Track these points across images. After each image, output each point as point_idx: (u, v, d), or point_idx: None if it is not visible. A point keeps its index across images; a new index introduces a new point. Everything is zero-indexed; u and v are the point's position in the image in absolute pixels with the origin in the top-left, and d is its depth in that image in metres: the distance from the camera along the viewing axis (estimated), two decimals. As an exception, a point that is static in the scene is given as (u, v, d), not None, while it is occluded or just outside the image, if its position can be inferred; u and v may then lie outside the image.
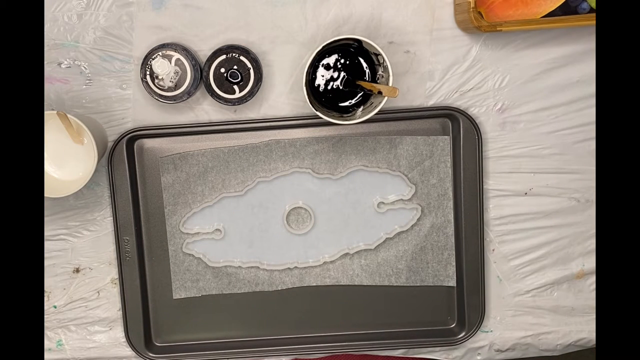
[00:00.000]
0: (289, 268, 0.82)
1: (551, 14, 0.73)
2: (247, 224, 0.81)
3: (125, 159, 0.79)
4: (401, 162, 0.80)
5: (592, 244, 0.83)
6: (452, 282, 0.82)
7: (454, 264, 0.82)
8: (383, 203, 0.81)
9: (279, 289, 0.82)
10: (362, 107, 0.75)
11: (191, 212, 0.81)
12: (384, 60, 0.70)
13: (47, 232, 0.81)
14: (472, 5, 0.72)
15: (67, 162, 0.75)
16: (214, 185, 0.80)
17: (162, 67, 0.73)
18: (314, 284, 0.82)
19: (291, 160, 0.80)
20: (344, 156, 0.80)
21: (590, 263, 0.83)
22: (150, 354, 0.83)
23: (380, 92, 0.70)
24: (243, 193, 0.80)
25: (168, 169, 0.80)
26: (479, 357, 0.85)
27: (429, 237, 0.81)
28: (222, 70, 0.75)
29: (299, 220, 0.82)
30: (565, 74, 0.79)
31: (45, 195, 0.72)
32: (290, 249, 0.82)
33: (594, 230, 0.82)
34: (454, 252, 0.82)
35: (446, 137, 0.80)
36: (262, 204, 0.81)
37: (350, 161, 0.80)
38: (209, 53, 0.75)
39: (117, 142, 0.79)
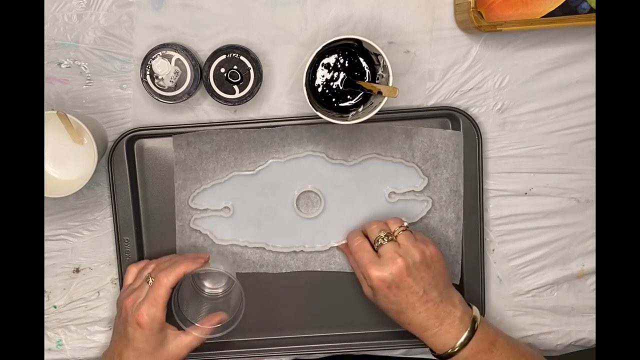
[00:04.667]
0: (294, 251, 0.82)
1: (551, 14, 0.73)
2: (256, 204, 0.81)
3: (125, 159, 0.79)
4: (415, 154, 0.80)
5: (592, 244, 0.83)
6: (456, 280, 0.82)
7: (460, 262, 0.81)
8: (394, 193, 0.81)
9: (283, 271, 0.82)
10: (362, 107, 0.75)
11: (201, 188, 0.80)
12: (383, 60, 0.70)
13: (47, 232, 0.81)
14: (472, 5, 0.72)
15: (67, 162, 0.75)
16: (226, 163, 0.80)
17: (162, 67, 0.73)
18: (319, 269, 0.82)
19: (305, 144, 0.80)
20: (359, 143, 0.80)
21: (590, 263, 0.83)
22: (150, 354, 0.83)
23: (380, 92, 0.70)
24: (255, 172, 0.80)
25: (181, 145, 0.79)
26: (479, 357, 0.85)
27: (437, 231, 0.81)
28: (222, 70, 0.75)
29: (309, 204, 0.81)
30: (565, 74, 0.79)
31: (45, 195, 0.72)
32: (298, 232, 0.81)
33: (594, 230, 0.82)
34: (460, 251, 0.81)
35: (460, 132, 0.79)
36: (272, 185, 0.80)
37: (364, 148, 0.80)
38: (209, 53, 0.75)
39: (117, 142, 0.79)
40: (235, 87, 0.75)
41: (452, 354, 0.72)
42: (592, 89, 0.79)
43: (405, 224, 0.75)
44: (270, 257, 0.82)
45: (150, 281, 0.72)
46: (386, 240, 0.73)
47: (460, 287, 0.82)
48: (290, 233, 0.81)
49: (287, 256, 0.82)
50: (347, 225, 0.81)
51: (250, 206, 0.81)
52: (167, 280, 0.71)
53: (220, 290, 0.81)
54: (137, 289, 0.73)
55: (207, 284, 0.81)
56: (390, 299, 0.72)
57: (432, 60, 0.79)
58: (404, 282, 0.71)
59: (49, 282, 0.83)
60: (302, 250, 0.82)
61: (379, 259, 0.72)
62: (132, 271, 0.77)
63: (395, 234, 0.74)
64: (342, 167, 0.80)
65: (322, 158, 0.80)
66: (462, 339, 0.71)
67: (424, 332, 0.73)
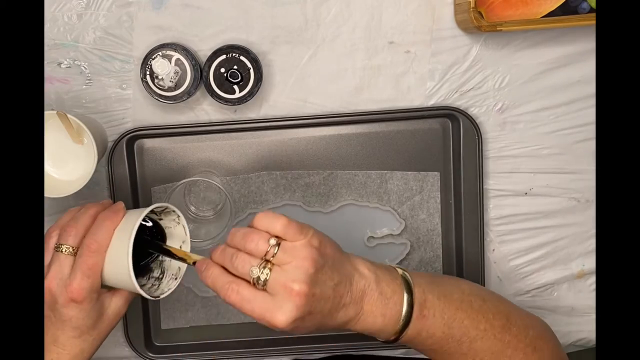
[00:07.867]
0: None
1: (551, 14, 0.73)
2: None
3: (125, 159, 0.79)
4: (391, 197, 0.81)
5: (592, 244, 0.83)
6: None
7: None
8: (373, 237, 0.81)
9: None
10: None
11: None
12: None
13: (47, 232, 0.81)
14: (472, 5, 0.72)
15: (67, 162, 0.75)
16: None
17: (162, 67, 0.73)
18: None
19: (282, 193, 0.80)
20: (335, 190, 0.80)
21: (590, 263, 0.83)
22: (150, 354, 0.83)
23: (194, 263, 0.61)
24: (234, 224, 0.79)
25: (160, 199, 0.80)
26: (479, 357, 0.85)
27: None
28: (222, 70, 0.75)
29: None
30: (565, 74, 0.79)
31: (45, 195, 0.72)
32: None
33: (594, 230, 0.82)
34: None
35: (436, 173, 0.80)
36: None
37: (341, 195, 0.80)
38: (209, 53, 0.75)
39: (117, 142, 0.79)
40: (235, 87, 0.75)
41: (408, 318, 0.61)
42: (592, 89, 0.79)
43: (278, 229, 0.57)
44: None
45: (64, 250, 0.62)
46: (265, 273, 0.56)
47: (460, 287, 0.82)
48: None
49: None
50: None
51: None
52: (99, 244, 0.61)
53: (209, 213, 0.79)
54: (53, 264, 0.62)
55: (195, 208, 0.79)
56: (307, 326, 0.58)
57: (432, 60, 0.79)
58: (313, 305, 0.57)
59: (49, 282, 0.82)
60: None
61: (272, 299, 0.56)
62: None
63: (270, 256, 0.57)
64: (320, 214, 0.80)
65: (299, 207, 0.80)
66: (405, 302, 0.60)
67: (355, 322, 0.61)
